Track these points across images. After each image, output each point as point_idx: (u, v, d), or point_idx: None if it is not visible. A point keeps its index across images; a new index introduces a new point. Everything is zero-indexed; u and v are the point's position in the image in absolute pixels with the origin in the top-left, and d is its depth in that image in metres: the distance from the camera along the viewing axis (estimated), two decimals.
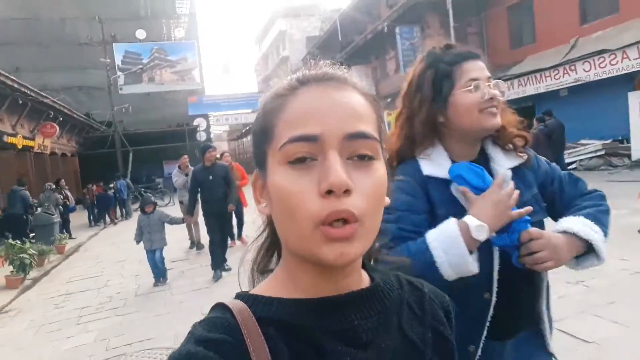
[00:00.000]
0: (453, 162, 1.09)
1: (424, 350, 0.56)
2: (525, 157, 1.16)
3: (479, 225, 0.94)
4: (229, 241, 6.64)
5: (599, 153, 11.86)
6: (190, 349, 0.45)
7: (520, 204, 1.02)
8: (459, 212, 1.01)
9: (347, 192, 0.46)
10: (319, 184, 0.46)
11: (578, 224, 1.04)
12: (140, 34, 26.23)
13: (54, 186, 11.39)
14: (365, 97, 0.52)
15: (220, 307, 0.52)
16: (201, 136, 26.19)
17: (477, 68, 1.09)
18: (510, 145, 1.15)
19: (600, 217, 1.08)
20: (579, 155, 12.27)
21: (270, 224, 0.60)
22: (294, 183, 0.47)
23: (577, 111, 12.82)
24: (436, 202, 1.05)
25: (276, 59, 41.00)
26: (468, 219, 0.96)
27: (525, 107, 15.01)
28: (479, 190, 1.01)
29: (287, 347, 0.49)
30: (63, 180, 12.99)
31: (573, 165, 12.09)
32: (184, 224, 6.72)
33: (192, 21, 29.57)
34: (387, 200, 0.53)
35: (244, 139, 46.10)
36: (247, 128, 37.51)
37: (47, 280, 6.87)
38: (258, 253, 0.63)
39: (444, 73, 1.08)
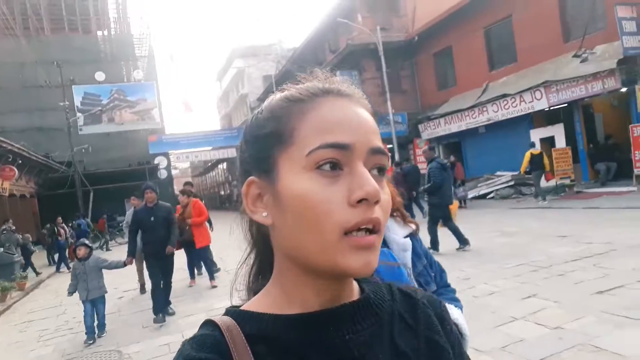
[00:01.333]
0: None
1: None
2: (414, 226, 1.22)
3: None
4: (189, 280, 7.12)
5: (510, 183, 13.65)
6: None
7: (415, 275, 1.11)
8: None
9: (377, 203, 0.47)
10: (350, 193, 0.46)
11: (455, 313, 1.14)
12: (99, 76, 27.14)
13: (13, 227, 12.07)
14: (372, 116, 0.53)
15: (209, 324, 0.52)
16: (162, 174, 27.00)
17: None
18: (398, 215, 1.20)
19: (459, 306, 1.20)
20: (495, 185, 14.03)
21: (258, 243, 0.59)
22: (322, 190, 0.46)
23: (493, 146, 14.71)
24: None
25: (236, 96, 42.44)
26: None
27: (453, 143, 16.92)
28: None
29: None
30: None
31: (491, 195, 13.83)
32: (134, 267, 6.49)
33: (150, 63, 30.74)
34: None
35: (207, 175, 46.93)
36: (210, 164, 38.48)
37: (9, 312, 7.65)
38: (250, 272, 0.61)
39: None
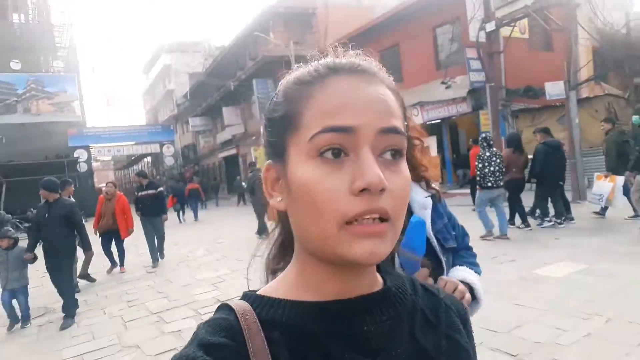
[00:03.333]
0: None
1: (437, 358, 0.53)
2: (435, 191, 1.33)
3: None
4: (119, 267, 7.68)
5: None
6: (190, 353, 0.45)
7: (434, 231, 1.21)
8: None
9: (382, 191, 0.44)
10: (353, 181, 0.44)
11: (473, 276, 1.24)
12: (15, 64, 26.56)
13: None
14: (393, 92, 0.50)
15: (225, 307, 0.51)
16: (82, 167, 27.03)
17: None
18: (423, 182, 1.31)
19: (478, 271, 1.29)
20: None
21: (282, 220, 0.58)
22: (324, 179, 0.45)
23: None
24: None
25: (162, 91, 42.42)
26: None
27: None
28: (410, 249, 1.03)
29: (290, 353, 0.47)
30: None
31: None
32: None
33: (72, 54, 30.28)
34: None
35: (130, 168, 46.30)
36: (133, 158, 38.32)
37: None
38: (270, 251, 0.60)
39: None
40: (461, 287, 1.12)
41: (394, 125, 0.47)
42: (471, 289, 1.18)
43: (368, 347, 0.49)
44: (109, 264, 7.74)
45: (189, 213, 16.47)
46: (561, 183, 7.10)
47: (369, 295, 0.52)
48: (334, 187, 0.44)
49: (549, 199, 7.18)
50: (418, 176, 1.28)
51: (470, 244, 1.44)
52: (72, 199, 6.17)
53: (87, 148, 27.87)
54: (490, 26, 10.64)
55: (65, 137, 26.76)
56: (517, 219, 7.47)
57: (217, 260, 7.89)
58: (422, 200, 1.25)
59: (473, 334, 0.61)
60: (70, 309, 5.18)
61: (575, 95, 9.86)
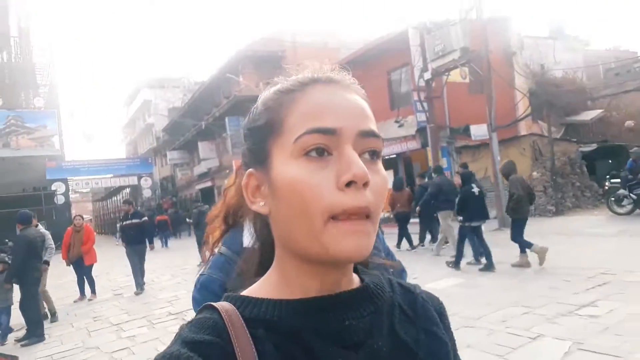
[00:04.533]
0: None
1: (417, 352, 0.54)
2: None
3: None
4: (78, 296, 8.17)
5: None
6: (174, 350, 0.45)
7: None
8: None
9: (366, 185, 0.47)
10: (338, 176, 0.46)
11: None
12: None
13: None
14: (366, 100, 0.54)
15: (208, 308, 0.52)
16: (59, 200, 27.52)
17: None
18: None
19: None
20: None
21: (262, 235, 0.59)
22: (310, 176, 0.47)
23: None
24: None
25: (142, 125, 43.42)
26: None
27: None
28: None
29: (275, 349, 0.48)
30: None
31: None
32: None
33: (52, 91, 31.25)
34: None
35: (108, 200, 46.70)
36: (112, 190, 38.89)
37: None
38: (250, 265, 0.61)
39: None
40: None
41: (372, 129, 0.50)
42: None
43: (350, 341, 0.51)
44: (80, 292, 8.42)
45: (159, 242, 17.37)
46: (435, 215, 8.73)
47: (349, 291, 0.53)
48: (320, 183, 0.46)
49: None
50: None
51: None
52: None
53: (65, 181, 28.43)
54: (427, 75, 12.15)
55: (44, 170, 27.34)
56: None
57: (179, 283, 8.84)
58: None
59: (451, 326, 0.63)
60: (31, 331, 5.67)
61: (496, 136, 11.30)
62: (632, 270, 5.43)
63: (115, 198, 49.03)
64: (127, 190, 41.79)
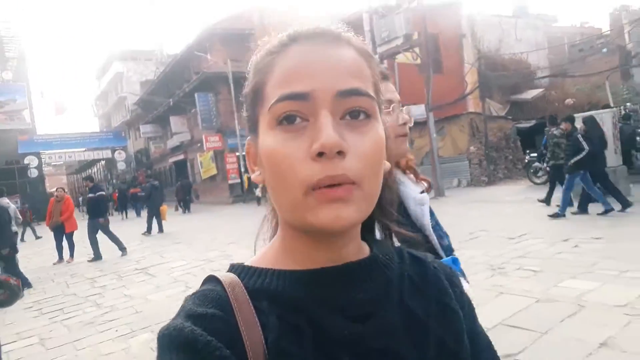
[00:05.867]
0: None
1: (427, 322, 0.53)
2: (426, 184, 1.20)
3: None
4: (57, 260, 9.13)
5: None
6: (177, 324, 0.44)
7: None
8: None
9: (340, 153, 0.43)
10: (310, 146, 0.44)
11: (466, 286, 1.02)
12: None
13: None
14: (361, 53, 0.49)
15: (212, 279, 0.51)
16: (32, 173, 27.95)
17: (390, 89, 1.06)
18: (409, 172, 1.19)
19: (467, 280, 1.12)
20: None
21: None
22: (284, 146, 0.45)
23: None
24: None
25: (115, 98, 43.35)
26: None
27: None
28: None
29: (279, 321, 0.47)
30: None
31: None
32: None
33: (21, 65, 31.06)
34: (387, 165, 0.51)
35: (82, 173, 47.02)
36: (86, 163, 39.19)
37: None
38: (262, 224, 0.61)
39: None
40: None
41: (354, 87, 0.46)
42: None
43: (357, 313, 0.49)
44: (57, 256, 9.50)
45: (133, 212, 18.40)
46: None
47: (356, 262, 0.52)
48: (293, 154, 0.44)
49: None
50: (404, 166, 1.17)
51: None
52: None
53: (37, 155, 28.76)
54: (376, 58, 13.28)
55: (15, 144, 27.61)
56: None
57: (147, 247, 10.09)
58: (418, 197, 1.13)
59: (465, 293, 0.60)
60: None
61: (432, 115, 12.62)
62: (503, 229, 6.89)
63: (90, 171, 49.23)
64: (102, 162, 42.12)
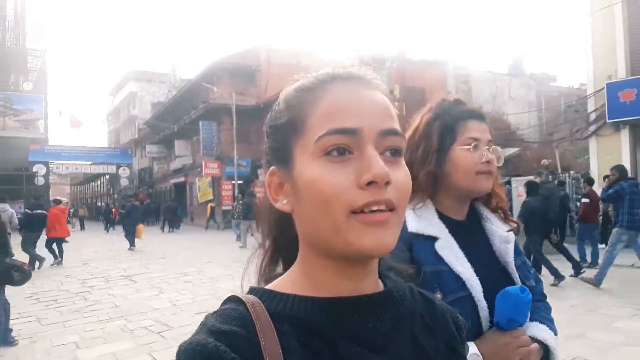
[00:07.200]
0: (442, 217, 1.09)
1: None
2: (515, 225, 1.20)
3: (474, 354, 0.95)
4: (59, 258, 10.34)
5: None
6: (200, 339, 0.45)
7: (515, 268, 1.11)
8: (445, 269, 1.03)
9: (387, 184, 0.47)
10: (359, 176, 0.47)
11: (552, 339, 1.09)
12: None
13: None
14: (387, 96, 0.54)
15: (233, 299, 0.52)
16: (39, 181, 29.22)
17: (480, 129, 1.10)
18: (500, 212, 1.20)
19: (555, 330, 1.13)
20: None
21: (278, 227, 0.60)
22: (332, 175, 0.48)
23: None
24: (421, 260, 1.02)
25: (126, 115, 45.13)
26: (471, 344, 0.96)
27: None
28: (509, 320, 0.98)
29: (300, 345, 0.48)
30: None
31: None
32: None
33: (41, 77, 32.88)
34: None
35: (86, 185, 48.38)
36: (91, 176, 40.59)
37: None
38: (263, 260, 0.62)
39: (447, 126, 1.10)
40: (534, 346, 1.01)
41: (393, 128, 0.51)
42: (546, 351, 1.08)
43: (374, 344, 0.51)
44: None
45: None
46: None
47: (374, 294, 0.54)
48: (341, 181, 0.47)
49: None
50: (494, 205, 1.19)
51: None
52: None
53: (46, 163, 30.12)
54: None
55: (27, 152, 28.98)
56: None
57: (135, 259, 11.23)
58: (503, 234, 1.15)
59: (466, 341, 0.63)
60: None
61: None
62: None
63: (94, 184, 50.58)
64: (107, 177, 43.50)
